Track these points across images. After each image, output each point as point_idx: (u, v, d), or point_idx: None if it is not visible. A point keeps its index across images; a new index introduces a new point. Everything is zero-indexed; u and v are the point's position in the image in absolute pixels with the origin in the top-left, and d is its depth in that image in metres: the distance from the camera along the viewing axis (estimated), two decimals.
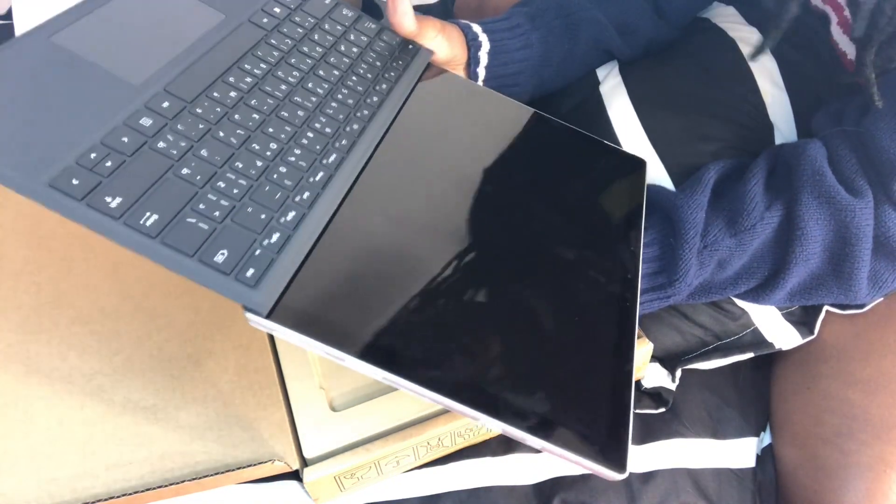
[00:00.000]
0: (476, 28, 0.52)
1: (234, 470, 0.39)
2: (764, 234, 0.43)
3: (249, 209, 0.33)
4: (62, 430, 0.41)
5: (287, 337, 0.32)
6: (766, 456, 0.53)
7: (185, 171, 0.33)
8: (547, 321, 0.37)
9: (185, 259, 0.30)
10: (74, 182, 0.30)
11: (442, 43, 0.50)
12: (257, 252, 0.32)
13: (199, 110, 0.36)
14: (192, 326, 0.46)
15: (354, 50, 0.46)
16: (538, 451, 0.48)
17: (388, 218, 0.38)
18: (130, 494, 0.39)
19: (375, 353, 0.32)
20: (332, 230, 0.36)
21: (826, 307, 0.52)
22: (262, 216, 0.33)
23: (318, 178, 0.37)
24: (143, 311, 0.47)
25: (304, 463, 0.41)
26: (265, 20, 0.43)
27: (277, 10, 0.44)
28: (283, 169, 0.36)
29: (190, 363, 0.44)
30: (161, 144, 0.33)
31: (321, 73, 0.43)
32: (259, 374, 0.44)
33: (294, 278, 0.33)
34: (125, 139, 0.32)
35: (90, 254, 0.50)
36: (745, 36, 0.55)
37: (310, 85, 0.42)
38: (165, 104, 0.35)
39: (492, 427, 0.33)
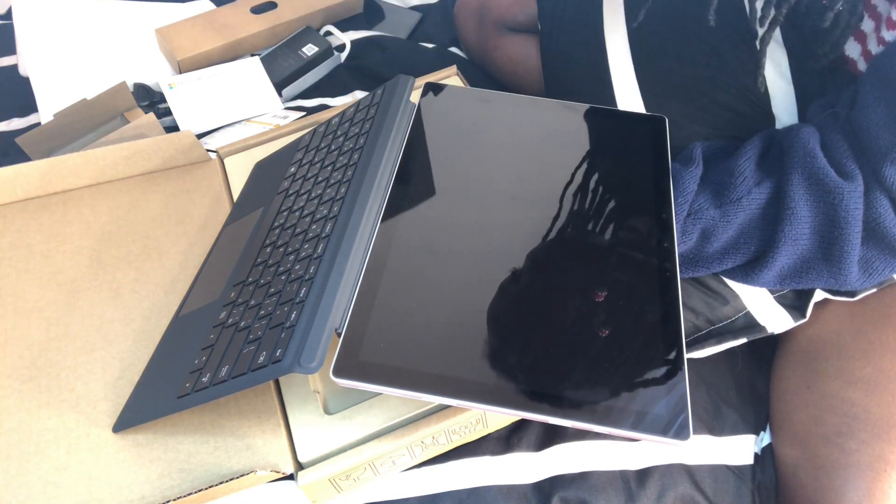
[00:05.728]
0: None
1: (228, 481, 0.40)
2: (750, 208, 0.44)
3: (271, 310, 0.39)
4: (70, 459, 0.43)
5: (364, 388, 0.35)
6: (765, 455, 0.53)
7: (230, 320, 0.42)
8: (601, 314, 0.37)
9: (247, 376, 0.36)
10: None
11: None
12: (282, 335, 0.36)
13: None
14: None
15: (332, 146, 0.51)
16: (537, 450, 0.48)
17: (429, 243, 0.41)
18: None
19: (426, 381, 0.35)
20: (373, 278, 0.39)
21: (819, 292, 0.52)
22: (279, 311, 0.38)
23: (317, 250, 0.40)
24: (144, 333, 0.49)
25: (300, 466, 0.42)
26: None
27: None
28: (281, 268, 0.42)
29: None
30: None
31: (318, 191, 0.47)
32: None
33: (351, 336, 0.36)
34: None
35: (94, 282, 0.52)
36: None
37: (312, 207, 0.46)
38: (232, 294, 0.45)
39: (559, 424, 0.34)
